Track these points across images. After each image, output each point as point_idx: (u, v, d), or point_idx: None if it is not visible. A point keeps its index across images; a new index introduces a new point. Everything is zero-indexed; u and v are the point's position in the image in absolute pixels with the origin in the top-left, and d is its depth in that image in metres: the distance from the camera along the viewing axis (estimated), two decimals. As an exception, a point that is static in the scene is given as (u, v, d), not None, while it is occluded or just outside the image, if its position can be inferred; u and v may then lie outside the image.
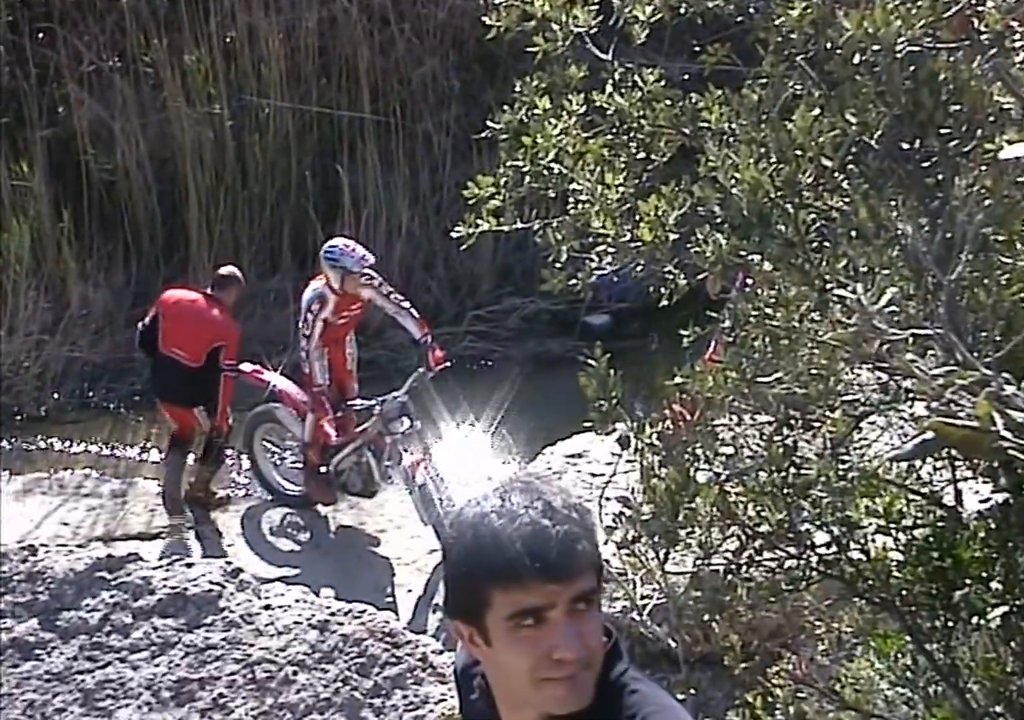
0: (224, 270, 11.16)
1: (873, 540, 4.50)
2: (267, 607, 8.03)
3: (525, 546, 2.29)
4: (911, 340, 3.36)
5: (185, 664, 7.69)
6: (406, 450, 10.36)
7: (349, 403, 10.70)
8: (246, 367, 11.23)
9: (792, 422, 4.53)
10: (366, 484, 10.87)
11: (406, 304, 10.79)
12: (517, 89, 5.05)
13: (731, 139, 4.56)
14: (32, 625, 7.85)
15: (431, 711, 7.55)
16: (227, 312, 10.87)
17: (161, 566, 8.21)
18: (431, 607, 9.68)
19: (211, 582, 8.06)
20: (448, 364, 10.73)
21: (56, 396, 13.98)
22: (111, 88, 15.50)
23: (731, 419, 4.79)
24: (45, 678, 7.65)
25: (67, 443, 13.23)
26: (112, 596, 7.98)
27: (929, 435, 2.56)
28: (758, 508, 4.57)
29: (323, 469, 10.87)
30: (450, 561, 2.42)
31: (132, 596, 7.97)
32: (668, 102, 4.83)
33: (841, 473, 4.39)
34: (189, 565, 8.28)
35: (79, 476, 12.39)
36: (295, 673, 7.65)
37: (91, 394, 14.10)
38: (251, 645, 7.77)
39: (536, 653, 2.33)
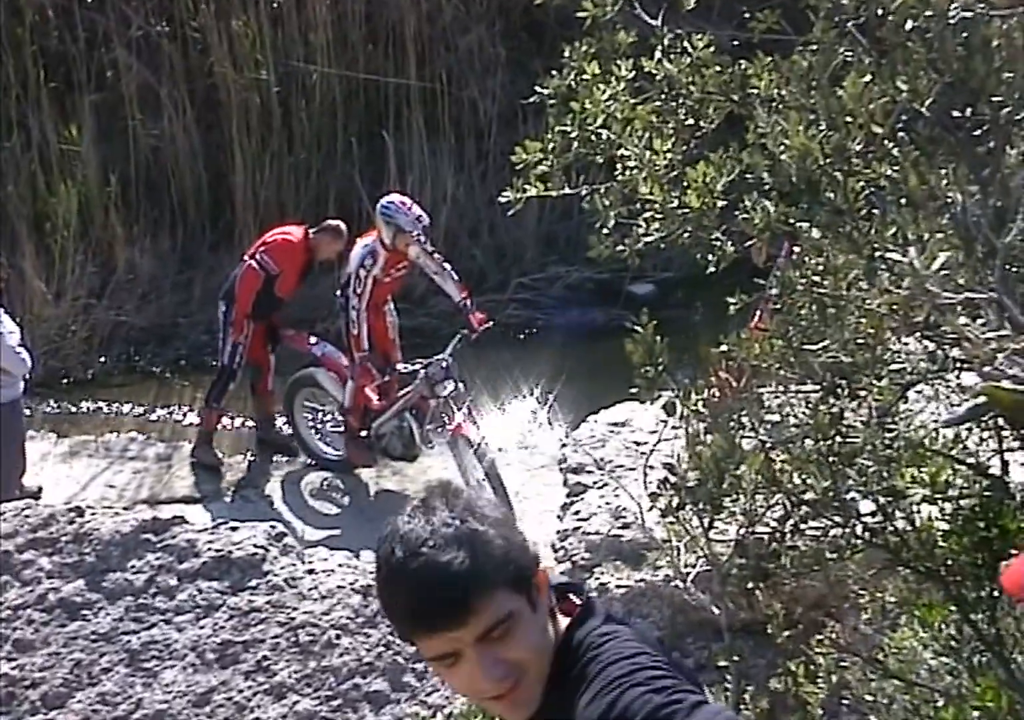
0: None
1: (919, 510, 4.49)
2: (311, 571, 8.07)
3: (411, 605, 2.35)
4: (962, 306, 3.35)
5: (229, 627, 7.74)
6: (450, 413, 10.37)
7: (394, 367, 10.71)
8: (288, 331, 11.28)
9: (838, 390, 4.52)
10: (407, 448, 10.88)
11: (448, 266, 10.79)
12: (565, 54, 5.04)
13: (780, 106, 4.54)
14: (79, 585, 7.91)
15: (473, 676, 7.57)
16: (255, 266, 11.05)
17: (206, 529, 8.26)
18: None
19: (255, 546, 8.11)
20: (490, 325, 10.72)
21: (102, 360, 14.05)
22: (159, 53, 15.50)
23: (777, 387, 4.79)
24: (92, 638, 7.72)
25: (113, 406, 13.29)
26: (157, 558, 8.03)
27: (981, 399, 2.55)
28: (803, 476, 4.57)
29: (363, 433, 10.89)
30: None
31: (177, 559, 8.02)
32: (717, 68, 4.81)
33: (887, 442, 4.37)
34: (234, 528, 8.32)
35: (125, 439, 12.46)
36: (338, 637, 7.70)
37: (137, 358, 14.15)
38: (294, 609, 7.81)
39: (463, 686, 2.43)
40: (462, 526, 2.35)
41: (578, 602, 2.52)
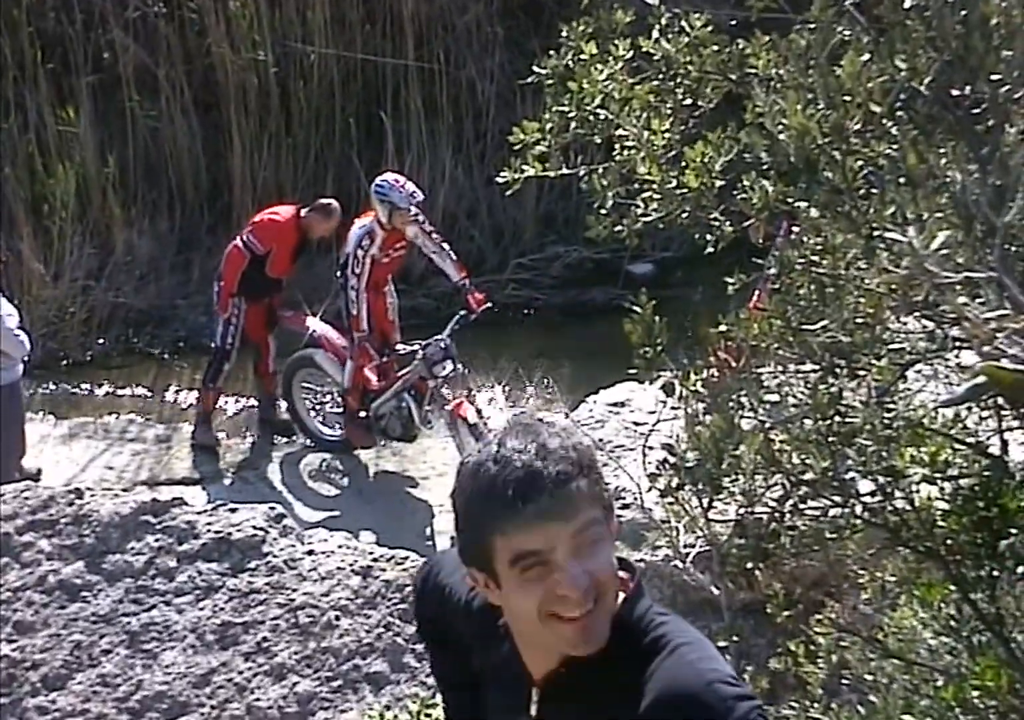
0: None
1: (918, 489, 4.48)
2: (310, 552, 8.07)
3: (518, 491, 2.31)
4: (961, 286, 3.34)
5: (229, 608, 7.74)
6: (449, 393, 10.38)
7: (393, 348, 10.71)
8: (286, 312, 11.28)
9: (837, 370, 4.51)
10: (406, 429, 10.90)
11: (446, 246, 10.80)
12: (563, 34, 5.02)
13: (778, 85, 4.53)
14: (78, 567, 7.92)
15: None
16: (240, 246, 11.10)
17: (205, 511, 8.26)
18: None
19: (255, 527, 8.11)
20: (489, 305, 10.73)
21: (101, 342, 14.05)
22: (156, 34, 15.47)
23: (776, 367, 4.78)
24: (91, 620, 7.72)
25: (112, 388, 13.30)
26: (157, 540, 8.03)
27: (980, 379, 2.54)
28: (802, 456, 4.56)
29: (362, 414, 10.90)
30: (456, 511, 2.45)
31: (177, 540, 8.02)
32: (715, 48, 4.80)
33: (886, 422, 4.37)
34: (233, 510, 8.32)
35: (124, 421, 12.48)
36: (338, 618, 7.70)
37: (136, 340, 14.16)
38: (294, 590, 7.81)
39: (541, 592, 2.35)
40: (566, 438, 2.37)
41: (626, 577, 2.49)
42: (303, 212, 11.15)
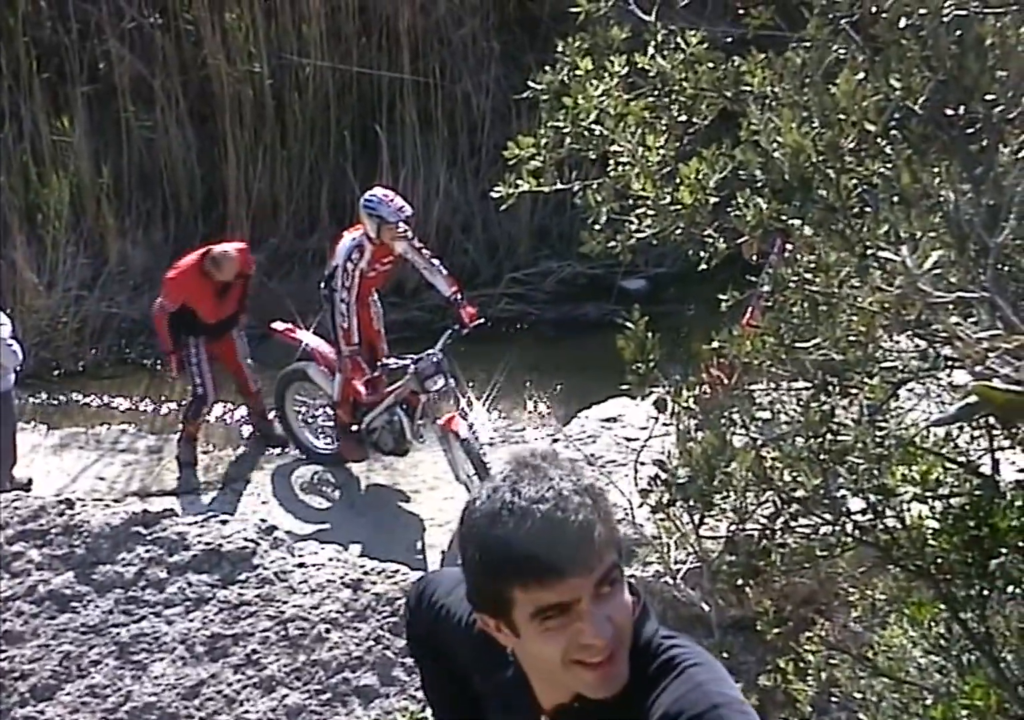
0: None
1: (909, 508, 4.49)
2: (301, 565, 8.06)
3: (540, 546, 2.25)
4: (954, 305, 3.35)
5: (219, 620, 7.73)
6: (441, 407, 10.38)
7: (384, 362, 10.71)
8: (278, 325, 11.26)
9: (829, 388, 4.52)
10: (398, 443, 10.89)
11: (436, 261, 10.81)
12: (559, 49, 5.03)
13: (773, 103, 4.54)
14: (68, 578, 7.91)
15: (462, 671, 7.56)
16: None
17: (196, 522, 8.25)
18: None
19: (245, 539, 8.10)
20: (482, 320, 10.73)
21: (94, 351, 14.03)
22: (152, 45, 15.47)
23: (768, 384, 4.79)
24: (81, 630, 7.71)
25: (104, 398, 13.28)
26: (147, 551, 8.02)
27: (972, 398, 2.55)
28: (794, 473, 4.57)
29: (354, 427, 10.90)
30: (467, 559, 2.37)
31: (167, 551, 8.01)
32: (711, 65, 4.81)
33: (878, 440, 4.37)
34: (224, 522, 8.32)
35: (116, 431, 12.46)
36: (328, 631, 7.69)
37: (128, 350, 14.13)
38: (284, 602, 7.81)
39: (564, 641, 2.31)
40: (579, 481, 2.31)
41: (631, 600, 2.46)
42: (205, 259, 11.00)
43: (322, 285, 10.72)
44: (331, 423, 11.24)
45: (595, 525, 2.27)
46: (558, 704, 2.44)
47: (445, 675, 2.82)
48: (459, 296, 10.71)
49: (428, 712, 7.02)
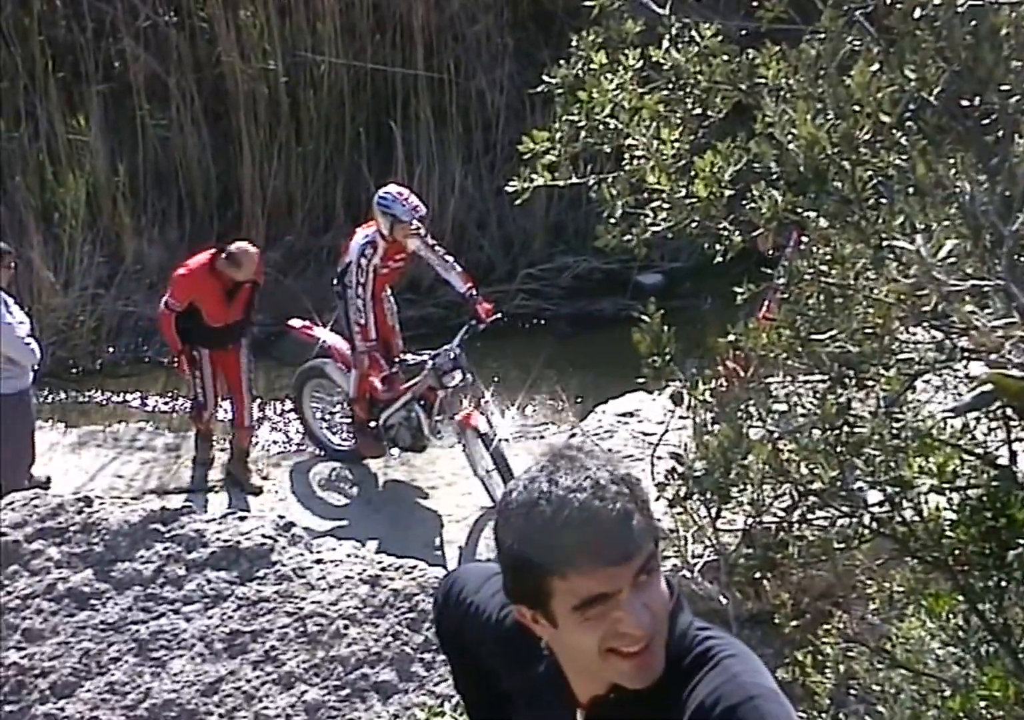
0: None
1: (926, 499, 4.49)
2: (319, 561, 8.07)
3: (580, 535, 2.24)
4: (969, 295, 3.34)
5: (237, 616, 7.74)
6: (459, 403, 10.39)
7: (402, 358, 10.72)
8: (295, 323, 11.26)
9: (846, 380, 4.51)
10: (415, 439, 10.89)
11: (450, 258, 10.82)
12: (573, 43, 5.03)
13: (788, 95, 4.54)
14: (87, 575, 7.92)
15: (480, 666, 7.56)
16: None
17: (214, 519, 8.26)
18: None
19: (263, 536, 8.11)
20: (498, 316, 10.74)
21: (111, 350, 14.07)
22: (166, 43, 15.51)
23: (784, 377, 4.78)
24: (100, 628, 7.73)
25: (121, 396, 13.32)
26: (166, 548, 8.03)
27: (987, 387, 2.54)
28: (811, 466, 4.56)
29: (371, 424, 10.90)
30: (504, 550, 2.36)
31: (185, 548, 8.02)
32: (725, 57, 4.81)
33: (895, 432, 4.37)
34: (242, 518, 8.32)
35: (133, 429, 12.49)
36: (346, 627, 7.70)
37: (145, 348, 14.17)
38: (303, 599, 7.81)
39: (602, 630, 2.30)
40: (615, 471, 2.31)
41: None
42: (216, 260, 10.73)
43: (334, 282, 10.72)
44: (348, 420, 11.25)
45: (633, 513, 2.27)
46: (594, 696, 2.43)
47: (473, 672, 2.82)
48: (474, 292, 10.72)
49: (447, 707, 7.05)
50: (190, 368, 10.94)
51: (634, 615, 2.29)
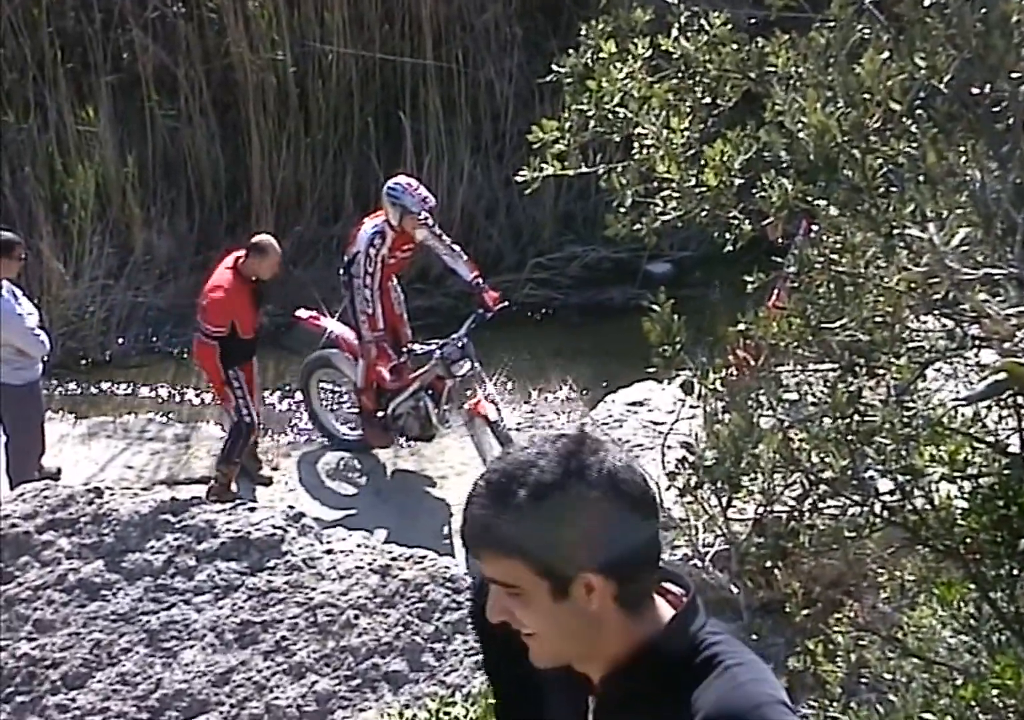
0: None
1: (937, 488, 4.48)
2: (329, 551, 8.08)
3: (462, 527, 2.36)
4: (981, 283, 3.33)
5: (248, 607, 7.76)
6: (467, 392, 10.39)
7: (410, 347, 10.72)
8: (302, 313, 11.26)
9: (856, 369, 4.51)
10: (423, 428, 10.90)
11: (457, 247, 10.83)
12: (582, 33, 5.03)
13: (797, 83, 4.53)
14: (98, 566, 7.94)
15: (491, 655, 7.57)
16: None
17: (224, 510, 8.27)
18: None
19: (273, 526, 8.12)
20: (506, 304, 10.74)
21: (121, 341, 14.08)
22: (175, 34, 15.50)
23: (795, 365, 4.78)
24: (111, 618, 7.74)
25: (131, 387, 13.33)
26: (176, 539, 8.05)
27: (1000, 376, 2.54)
28: (822, 455, 4.56)
29: (379, 414, 10.91)
30: None
31: (196, 539, 8.04)
32: (734, 46, 4.80)
33: (906, 420, 4.36)
34: (252, 509, 8.34)
35: (143, 420, 12.50)
36: (356, 617, 7.71)
37: (155, 339, 14.17)
38: (313, 589, 7.83)
39: None
40: (539, 487, 2.28)
41: (679, 592, 2.46)
42: (240, 263, 10.37)
43: (341, 272, 10.73)
44: (356, 410, 11.26)
45: (487, 526, 2.31)
46: (601, 678, 2.45)
47: (497, 655, 2.82)
48: (481, 281, 10.72)
49: (458, 697, 7.05)
50: (232, 391, 10.44)
51: (489, 607, 2.41)
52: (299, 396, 11.85)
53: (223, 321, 10.30)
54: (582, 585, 2.32)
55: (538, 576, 2.32)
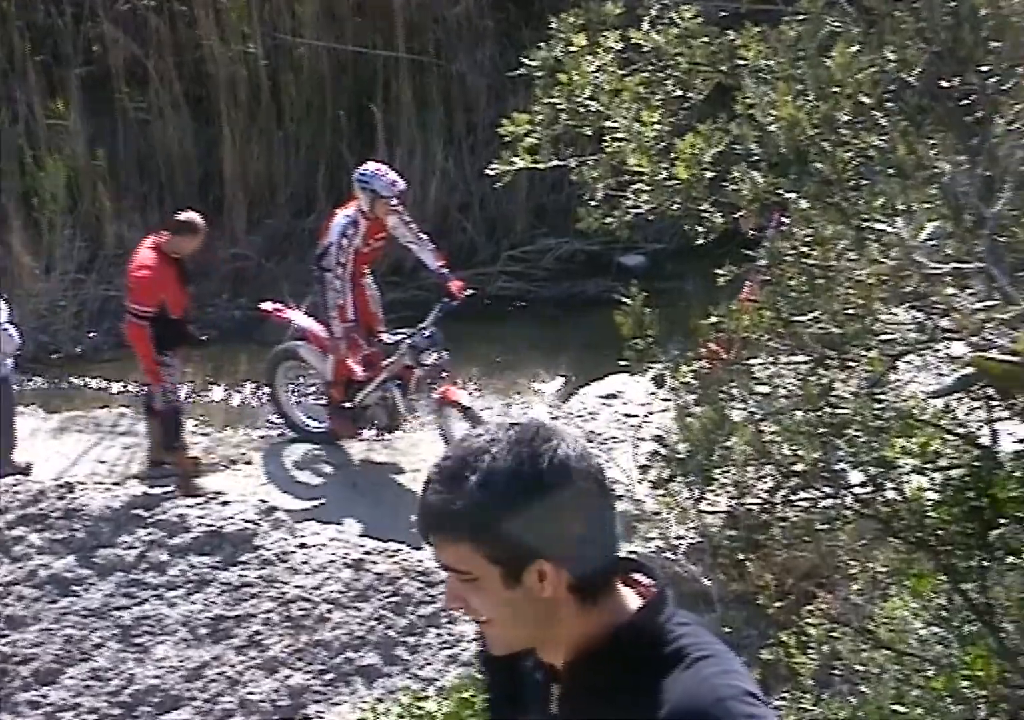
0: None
1: (909, 480, 4.49)
2: (302, 546, 8.08)
3: (417, 513, 2.34)
4: (951, 276, 3.34)
5: (221, 601, 7.75)
6: (436, 381, 10.39)
7: (379, 337, 10.71)
8: (268, 306, 11.22)
9: (828, 361, 4.52)
10: (391, 418, 10.90)
11: (424, 236, 10.83)
12: (553, 26, 5.02)
13: (768, 76, 4.53)
14: (70, 562, 7.92)
15: (465, 649, 7.59)
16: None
17: (197, 504, 8.26)
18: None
19: (246, 521, 8.12)
20: (471, 292, 10.75)
21: (92, 335, 14.01)
22: (146, 26, 15.44)
23: (767, 358, 4.78)
24: (83, 614, 7.73)
25: (103, 382, 13.27)
26: (148, 534, 8.04)
27: (969, 369, 2.54)
28: (793, 447, 4.57)
29: (346, 405, 10.89)
30: None
31: (168, 534, 8.03)
32: (705, 39, 4.80)
33: (877, 413, 4.37)
34: (224, 503, 8.33)
35: (115, 415, 12.43)
36: (330, 611, 7.71)
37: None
38: (286, 583, 7.82)
39: None
40: (490, 474, 2.28)
41: (646, 582, 2.44)
42: (164, 241, 10.37)
43: (313, 266, 10.71)
44: (323, 401, 11.24)
45: (443, 513, 2.30)
46: (564, 664, 2.45)
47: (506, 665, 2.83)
48: (446, 270, 10.73)
49: (431, 690, 7.06)
50: (163, 373, 10.43)
51: (445, 593, 2.40)
52: (267, 388, 11.82)
53: (152, 300, 10.30)
54: (535, 572, 2.31)
55: (490, 562, 2.31)
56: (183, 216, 10.52)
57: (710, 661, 2.35)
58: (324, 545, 8.10)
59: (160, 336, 10.31)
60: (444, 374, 10.42)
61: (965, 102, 4.26)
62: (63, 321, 13.87)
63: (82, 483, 8.64)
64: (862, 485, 4.57)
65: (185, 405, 10.85)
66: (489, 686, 2.84)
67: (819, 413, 4.45)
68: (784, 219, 4.77)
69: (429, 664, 7.51)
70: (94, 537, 8.01)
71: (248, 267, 14.31)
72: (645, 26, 4.90)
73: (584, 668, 2.41)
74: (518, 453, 2.29)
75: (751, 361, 4.79)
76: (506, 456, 2.29)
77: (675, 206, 4.70)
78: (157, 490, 8.75)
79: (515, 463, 2.28)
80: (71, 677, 7.49)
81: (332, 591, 7.79)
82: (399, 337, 10.52)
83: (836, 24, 4.48)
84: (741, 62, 4.67)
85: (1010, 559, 4.32)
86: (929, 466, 4.36)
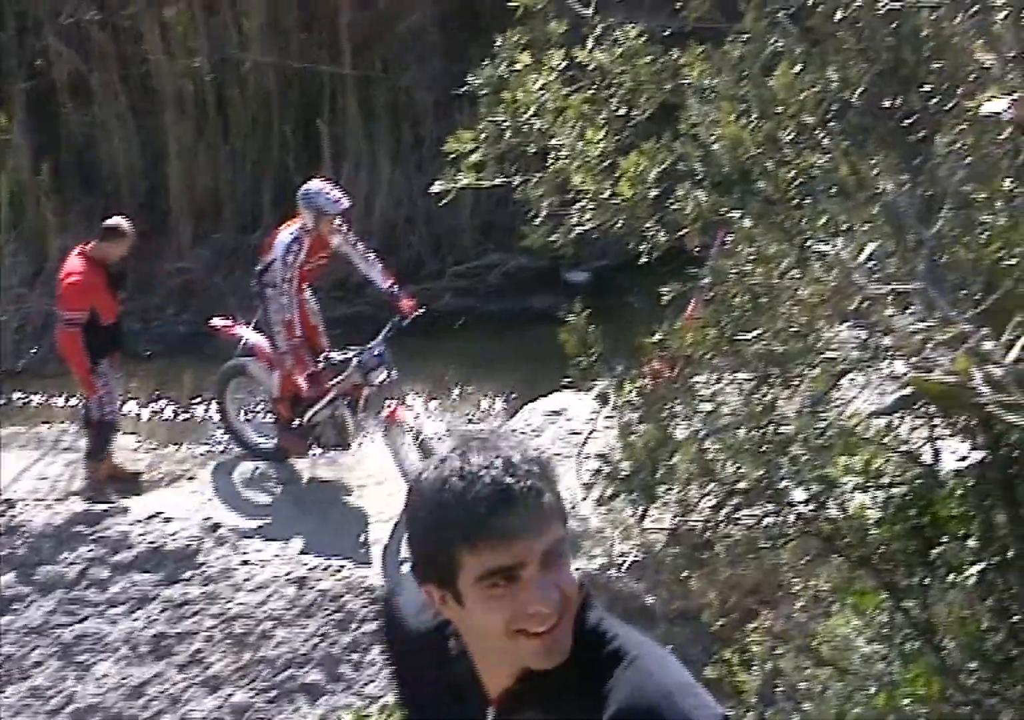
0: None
1: (851, 497, 4.51)
2: (245, 562, 8.04)
3: (490, 507, 2.27)
4: (891, 297, 3.36)
5: (163, 619, 7.70)
6: (385, 400, 10.36)
7: (327, 355, 10.67)
8: (217, 322, 11.17)
9: (771, 379, 4.53)
10: (341, 436, 10.86)
11: (371, 255, 10.80)
12: (497, 44, 5.02)
13: (712, 95, 4.55)
14: (10, 578, 7.85)
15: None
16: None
17: (139, 521, 8.21)
18: (399, 561, 9.65)
19: (189, 537, 8.07)
20: (422, 311, 10.72)
21: (34, 350, 13.91)
22: (90, 40, 15.37)
23: (710, 376, 4.80)
24: (23, 632, 7.66)
25: (45, 397, 13.17)
26: (90, 550, 7.98)
27: (908, 390, 2.56)
28: (736, 465, 4.58)
29: (295, 423, 10.85)
30: (415, 527, 2.39)
31: (110, 551, 7.97)
32: (649, 58, 4.81)
33: (820, 430, 4.39)
34: (167, 520, 8.28)
35: (57, 431, 12.34)
36: (273, 628, 7.67)
37: (70, 348, 14.01)
38: (229, 600, 7.78)
39: (510, 609, 2.30)
40: (526, 452, 2.33)
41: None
42: (89, 248, 10.38)
43: (253, 282, 10.66)
44: (271, 419, 11.19)
45: (543, 491, 2.29)
46: (504, 690, 2.43)
47: (406, 676, 2.80)
48: (396, 288, 10.71)
49: (374, 708, 7.03)
50: (97, 383, 10.38)
51: (541, 592, 2.30)
52: (215, 405, 11.76)
53: (83, 305, 10.27)
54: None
55: (565, 525, 2.35)
56: (109, 222, 10.51)
57: (651, 658, 2.36)
58: (268, 562, 8.06)
59: (92, 344, 10.27)
60: (393, 393, 10.39)
61: (907, 122, 4.29)
62: (5, 336, 13.76)
63: (23, 500, 8.57)
64: (805, 503, 4.59)
65: (119, 417, 10.74)
66: (406, 709, 2.84)
67: (762, 431, 4.47)
68: (728, 238, 4.79)
69: (373, 681, 7.48)
70: (35, 554, 7.95)
71: (194, 281, 14.22)
72: (589, 45, 4.91)
73: (526, 683, 2.40)
74: (520, 442, 2.36)
75: (695, 379, 4.80)
76: (512, 445, 2.35)
77: (619, 224, 4.72)
78: (99, 507, 8.67)
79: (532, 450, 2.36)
80: (8, 696, 7.42)
81: (275, 608, 7.75)
82: (348, 355, 10.49)
83: (779, 44, 4.50)
84: (685, 81, 4.69)
85: (951, 577, 4.34)
86: (872, 484, 4.39)
